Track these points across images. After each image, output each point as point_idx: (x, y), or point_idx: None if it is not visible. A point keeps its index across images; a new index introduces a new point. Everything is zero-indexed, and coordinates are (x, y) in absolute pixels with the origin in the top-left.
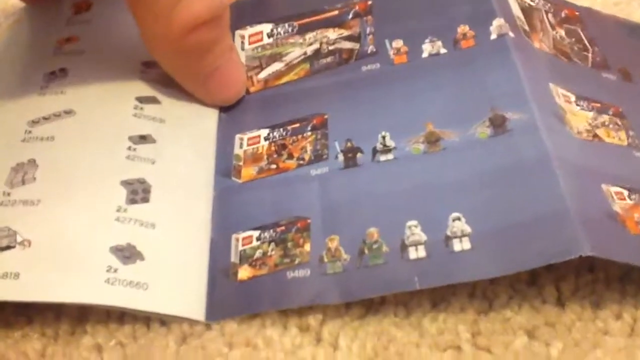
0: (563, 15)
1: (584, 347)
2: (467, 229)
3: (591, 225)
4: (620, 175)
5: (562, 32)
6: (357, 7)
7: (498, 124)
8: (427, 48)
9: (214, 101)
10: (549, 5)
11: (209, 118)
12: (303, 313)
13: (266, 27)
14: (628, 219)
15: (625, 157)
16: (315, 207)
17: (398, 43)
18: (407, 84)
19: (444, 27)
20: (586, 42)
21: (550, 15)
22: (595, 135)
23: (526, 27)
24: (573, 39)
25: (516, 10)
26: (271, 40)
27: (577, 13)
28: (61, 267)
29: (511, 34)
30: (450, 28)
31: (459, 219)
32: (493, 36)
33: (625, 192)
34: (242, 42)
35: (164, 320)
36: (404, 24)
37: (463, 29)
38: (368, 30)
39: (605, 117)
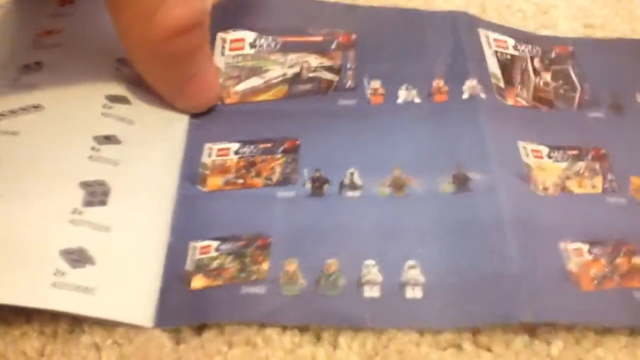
0: (553, 55)
1: (585, 346)
2: (421, 279)
3: (538, 288)
4: (582, 230)
5: (548, 77)
6: (340, 38)
7: (461, 182)
8: (402, 94)
9: (186, 108)
10: (537, 49)
11: (179, 123)
12: None
13: (249, 36)
14: (583, 275)
15: (594, 206)
16: (277, 228)
17: (376, 83)
18: (381, 125)
19: (420, 77)
20: (575, 80)
21: (536, 60)
22: (564, 188)
23: (501, 85)
24: (560, 81)
25: (493, 67)
26: (253, 51)
27: (570, 49)
28: (8, 268)
29: (482, 96)
30: (426, 79)
31: (414, 267)
32: (465, 96)
33: (586, 247)
34: (223, 47)
35: None
36: (383, 65)
37: (438, 83)
38: (349, 65)
39: (581, 165)
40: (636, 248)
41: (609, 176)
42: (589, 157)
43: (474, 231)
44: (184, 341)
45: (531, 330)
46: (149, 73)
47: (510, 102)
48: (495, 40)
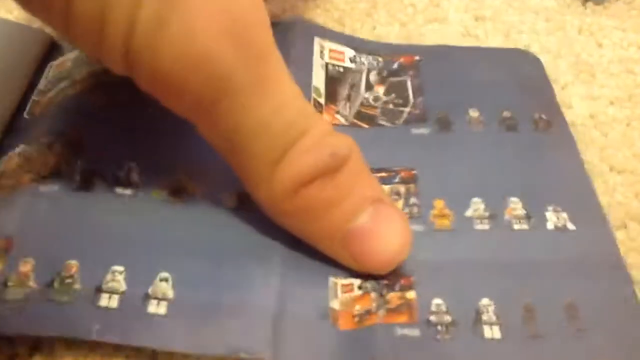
0: (395, 66)
1: None
2: (170, 294)
3: (291, 326)
4: None
5: (381, 91)
6: None
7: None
8: None
9: (360, 269)
10: (379, 60)
11: None
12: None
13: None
14: (344, 313)
15: None
16: (25, 227)
17: None
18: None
19: None
20: (410, 94)
21: (373, 73)
22: None
23: (322, 100)
24: (393, 95)
25: (317, 81)
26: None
27: (416, 58)
28: None
29: None
30: None
31: (166, 280)
32: None
33: (357, 282)
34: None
35: None
36: None
37: None
38: None
39: (384, 188)
40: (415, 281)
41: (412, 200)
42: (397, 179)
43: (243, 252)
44: None
45: None
46: (298, 232)
47: (327, 119)
48: (331, 51)
